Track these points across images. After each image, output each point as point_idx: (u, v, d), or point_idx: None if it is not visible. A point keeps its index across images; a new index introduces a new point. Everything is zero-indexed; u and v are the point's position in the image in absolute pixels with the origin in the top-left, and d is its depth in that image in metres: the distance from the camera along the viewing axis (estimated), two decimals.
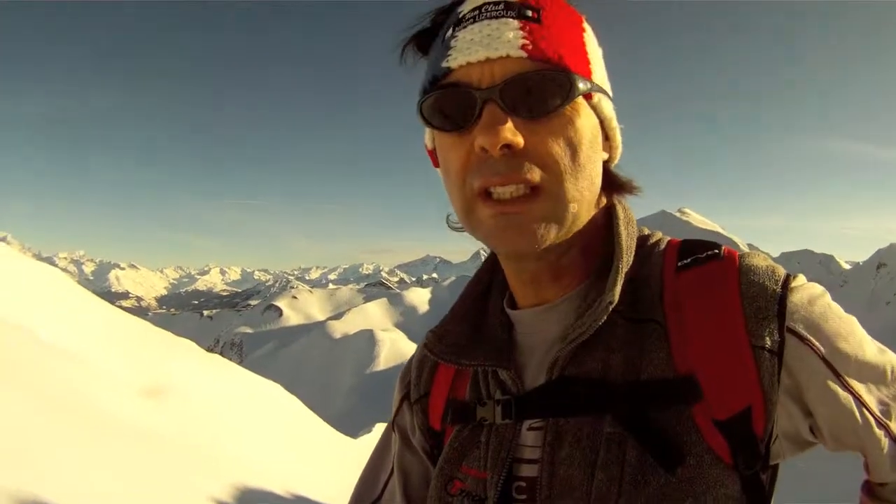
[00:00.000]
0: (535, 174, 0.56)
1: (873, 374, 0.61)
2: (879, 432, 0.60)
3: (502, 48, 0.56)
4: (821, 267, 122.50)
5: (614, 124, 0.65)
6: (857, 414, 0.59)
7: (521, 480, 0.62)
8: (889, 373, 0.62)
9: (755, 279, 0.60)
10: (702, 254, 0.63)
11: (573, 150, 0.58)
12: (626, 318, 0.62)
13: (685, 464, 0.54)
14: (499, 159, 0.55)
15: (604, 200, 0.70)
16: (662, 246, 0.69)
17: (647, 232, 0.73)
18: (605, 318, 0.61)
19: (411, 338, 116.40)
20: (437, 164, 0.67)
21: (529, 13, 0.58)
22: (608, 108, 0.63)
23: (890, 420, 0.61)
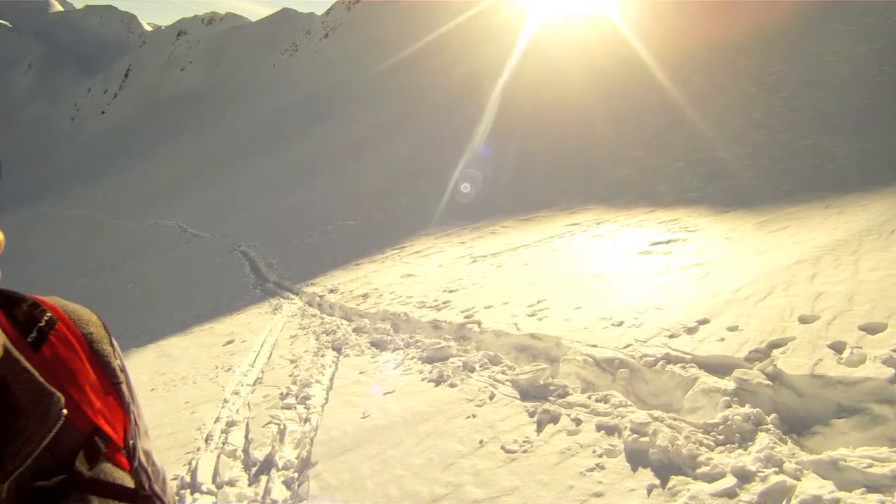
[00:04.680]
0: None
1: None
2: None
3: None
4: (122, 25, 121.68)
5: None
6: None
7: None
8: None
9: (94, 332, 0.72)
10: (42, 322, 0.66)
11: None
12: None
13: (134, 489, 0.66)
14: None
15: None
16: None
17: None
18: None
19: None
20: None
21: None
22: None
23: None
